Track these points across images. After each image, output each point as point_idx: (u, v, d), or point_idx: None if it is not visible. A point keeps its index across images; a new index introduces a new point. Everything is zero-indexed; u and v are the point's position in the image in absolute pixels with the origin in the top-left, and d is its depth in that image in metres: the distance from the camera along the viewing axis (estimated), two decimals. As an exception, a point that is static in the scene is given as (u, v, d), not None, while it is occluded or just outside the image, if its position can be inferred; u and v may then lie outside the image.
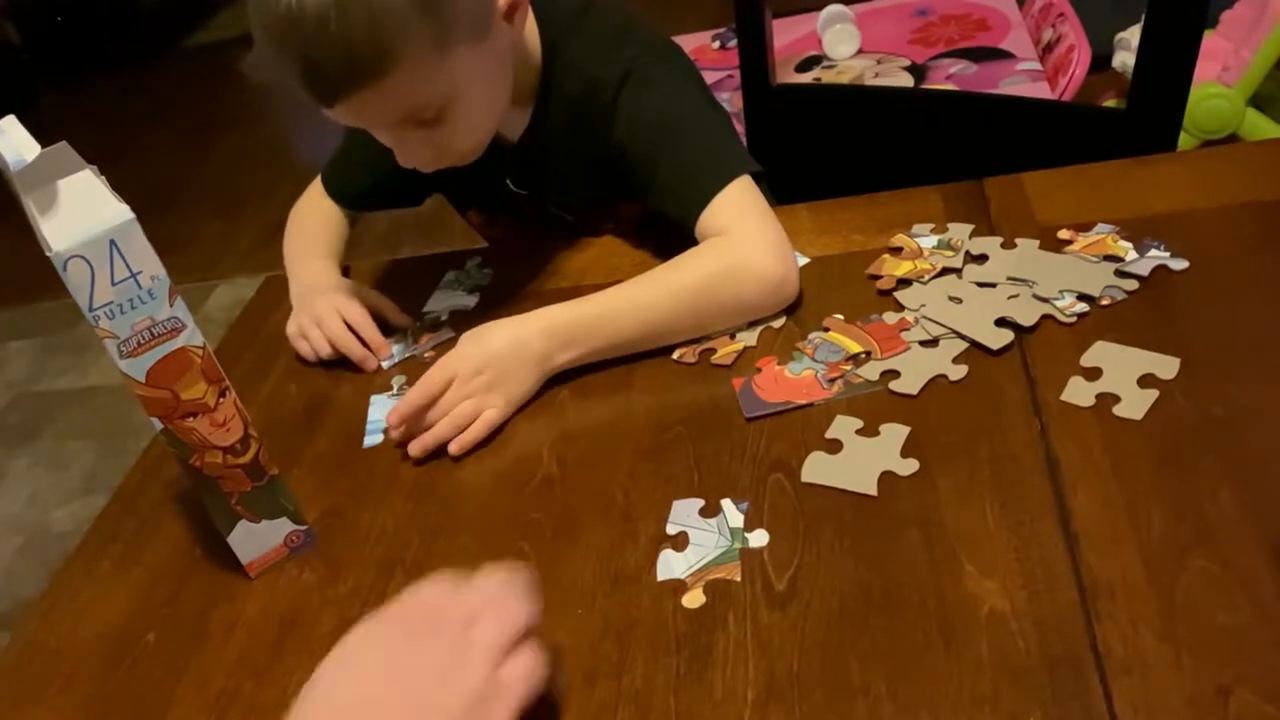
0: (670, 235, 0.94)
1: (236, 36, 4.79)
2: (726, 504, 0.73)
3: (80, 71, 4.70)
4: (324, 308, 0.98)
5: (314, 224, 1.13)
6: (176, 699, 0.70)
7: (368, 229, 1.13)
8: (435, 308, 1.03)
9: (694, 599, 0.67)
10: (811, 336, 0.85)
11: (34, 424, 2.59)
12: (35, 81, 4.71)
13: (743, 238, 0.89)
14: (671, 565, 0.70)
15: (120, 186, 0.67)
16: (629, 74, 0.95)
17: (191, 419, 0.71)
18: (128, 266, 0.65)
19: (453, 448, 0.84)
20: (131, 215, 0.65)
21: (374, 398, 0.93)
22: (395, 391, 0.93)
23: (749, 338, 0.87)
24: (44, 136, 0.67)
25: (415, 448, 0.84)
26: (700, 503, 0.73)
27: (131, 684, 0.72)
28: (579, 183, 1.04)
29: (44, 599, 0.82)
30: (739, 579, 0.67)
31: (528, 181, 1.06)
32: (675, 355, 0.89)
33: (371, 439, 0.89)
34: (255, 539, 0.77)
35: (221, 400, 0.72)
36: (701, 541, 0.71)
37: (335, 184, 1.14)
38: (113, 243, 0.64)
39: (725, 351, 0.87)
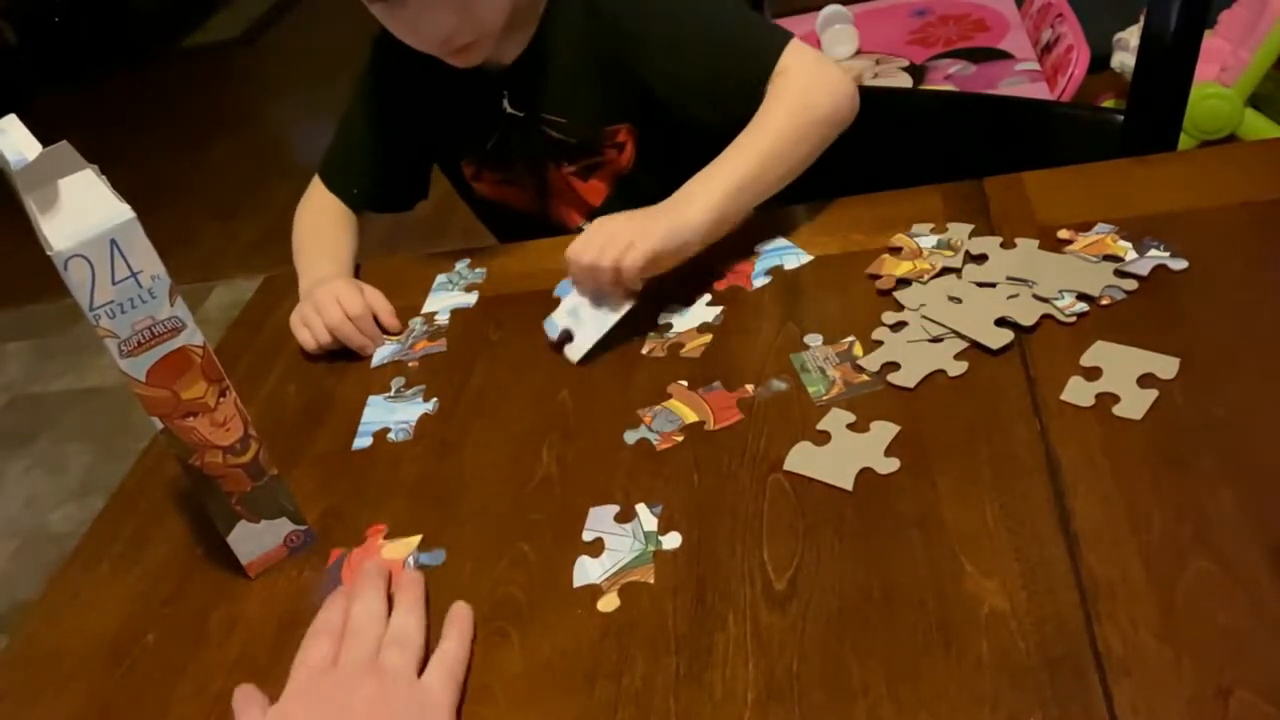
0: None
1: (235, 36, 4.79)
2: (641, 508, 0.74)
3: (78, 72, 4.70)
4: (325, 297, 0.99)
5: (323, 223, 1.13)
6: (176, 699, 0.70)
7: (368, 229, 1.12)
8: (436, 307, 1.03)
9: (609, 603, 0.68)
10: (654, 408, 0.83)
11: (31, 426, 2.59)
12: (33, 81, 4.71)
13: (808, 76, 0.96)
14: (588, 571, 0.70)
15: (118, 186, 0.68)
16: None
17: (192, 418, 0.71)
18: (128, 266, 0.65)
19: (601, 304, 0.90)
20: (132, 214, 0.65)
21: (371, 399, 0.93)
22: (393, 393, 0.93)
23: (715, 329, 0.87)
24: (42, 137, 0.67)
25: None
26: (615, 508, 0.74)
27: (131, 684, 0.72)
28: (580, 97, 1.04)
29: (43, 600, 0.82)
30: (653, 581, 0.68)
31: (527, 100, 1.07)
32: (645, 350, 0.89)
33: (361, 441, 0.88)
34: (255, 539, 0.77)
35: (222, 400, 0.72)
36: (616, 546, 0.71)
37: (337, 179, 1.15)
38: (113, 242, 0.64)
39: (693, 345, 0.88)
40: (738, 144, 0.93)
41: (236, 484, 0.74)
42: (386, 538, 0.78)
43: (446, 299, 1.04)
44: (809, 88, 0.95)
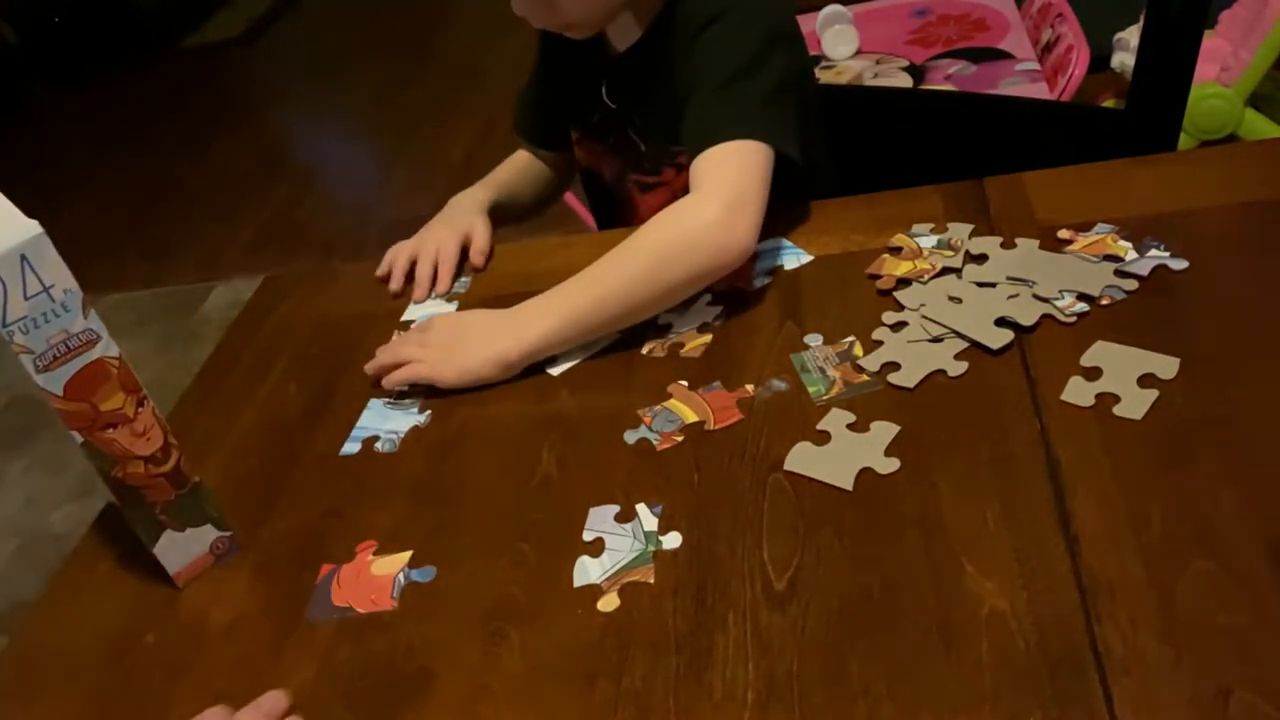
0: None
1: (235, 36, 4.79)
2: (641, 508, 0.74)
3: (78, 72, 4.70)
4: (429, 236, 1.09)
5: (503, 163, 1.24)
6: (176, 699, 0.70)
7: (366, 231, 1.12)
8: (415, 315, 1.03)
9: (609, 603, 0.68)
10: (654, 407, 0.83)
11: (31, 426, 2.58)
12: (33, 82, 4.71)
13: (704, 201, 0.89)
14: (588, 571, 0.70)
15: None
16: (723, 14, 0.96)
17: (111, 430, 0.71)
18: (40, 281, 0.65)
19: (385, 380, 0.92)
20: (40, 230, 0.65)
21: (372, 401, 0.92)
22: (394, 398, 0.92)
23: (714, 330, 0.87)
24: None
25: (370, 366, 0.94)
26: (616, 509, 0.74)
27: (131, 684, 0.72)
28: (661, 107, 1.03)
29: (44, 599, 0.82)
30: (653, 581, 0.68)
31: (621, 95, 1.08)
32: (645, 350, 0.89)
33: (349, 447, 0.88)
34: (181, 548, 0.77)
35: (140, 410, 0.72)
36: (617, 546, 0.72)
37: (516, 120, 1.24)
38: (23, 257, 0.64)
39: (693, 345, 0.88)
40: (602, 275, 0.89)
41: (159, 493, 0.74)
42: (376, 553, 0.76)
43: (430, 306, 1.04)
44: (697, 239, 0.88)
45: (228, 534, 0.79)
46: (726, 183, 0.89)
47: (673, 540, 0.71)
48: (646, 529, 0.72)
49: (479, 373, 0.89)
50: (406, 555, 0.76)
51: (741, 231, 0.88)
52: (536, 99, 1.21)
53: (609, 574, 0.70)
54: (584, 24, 0.99)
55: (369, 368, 0.93)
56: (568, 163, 1.23)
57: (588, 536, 0.73)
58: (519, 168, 1.24)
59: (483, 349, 0.90)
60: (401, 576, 0.74)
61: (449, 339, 0.92)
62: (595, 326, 0.90)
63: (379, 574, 0.75)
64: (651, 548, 0.71)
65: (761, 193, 0.90)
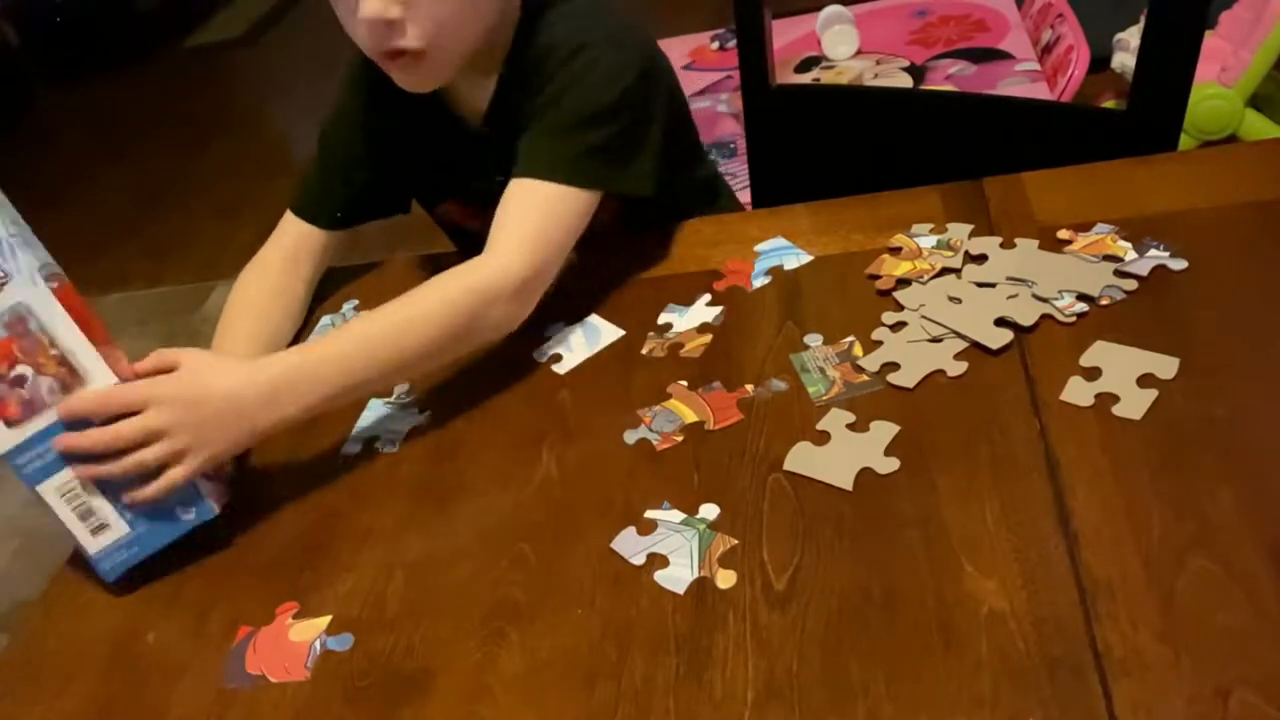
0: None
1: (235, 37, 4.79)
2: (705, 508, 0.73)
3: (79, 72, 4.70)
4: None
5: (240, 303, 1.06)
6: (176, 699, 0.70)
7: (364, 231, 1.12)
8: None
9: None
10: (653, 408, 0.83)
11: (33, 425, 2.59)
12: (34, 82, 4.71)
13: (498, 276, 0.86)
14: (628, 544, 0.72)
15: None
16: (583, 47, 0.92)
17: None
18: None
19: (126, 499, 0.77)
20: None
21: (372, 402, 0.92)
22: (394, 398, 0.92)
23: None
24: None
25: (61, 443, 0.76)
26: (682, 515, 0.73)
27: (131, 684, 0.72)
28: None
29: (44, 599, 0.82)
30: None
31: (503, 164, 0.98)
32: (645, 350, 0.89)
33: (351, 447, 0.88)
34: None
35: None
36: (667, 533, 0.72)
37: (312, 205, 1.06)
38: None
39: (693, 345, 0.88)
40: (385, 343, 0.83)
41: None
42: (296, 617, 0.74)
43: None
44: (492, 322, 0.87)
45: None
46: (529, 246, 0.87)
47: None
48: (700, 528, 0.72)
49: (245, 443, 0.80)
50: (325, 621, 0.73)
51: (526, 311, 0.88)
52: (350, 179, 1.05)
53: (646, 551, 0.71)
54: (441, 57, 0.90)
55: (66, 412, 0.75)
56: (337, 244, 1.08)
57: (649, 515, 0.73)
58: (277, 304, 1.03)
59: (235, 426, 0.78)
60: (318, 644, 0.71)
61: (194, 417, 0.77)
62: (362, 391, 0.85)
63: (296, 640, 0.72)
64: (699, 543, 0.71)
65: (561, 251, 0.90)
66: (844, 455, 0.74)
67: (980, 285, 0.85)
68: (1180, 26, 1.02)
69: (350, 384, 0.82)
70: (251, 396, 0.79)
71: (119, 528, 0.78)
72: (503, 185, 0.92)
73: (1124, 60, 2.25)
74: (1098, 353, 0.76)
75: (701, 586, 0.67)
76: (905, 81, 2.07)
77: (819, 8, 2.26)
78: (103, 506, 0.77)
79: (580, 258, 1.03)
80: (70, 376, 0.74)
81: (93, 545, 0.78)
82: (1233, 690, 0.54)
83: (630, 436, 0.81)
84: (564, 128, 0.91)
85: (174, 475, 0.77)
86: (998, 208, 0.94)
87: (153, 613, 0.78)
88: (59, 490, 0.77)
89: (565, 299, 0.97)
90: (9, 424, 0.74)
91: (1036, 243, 0.88)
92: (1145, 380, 0.73)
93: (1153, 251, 0.84)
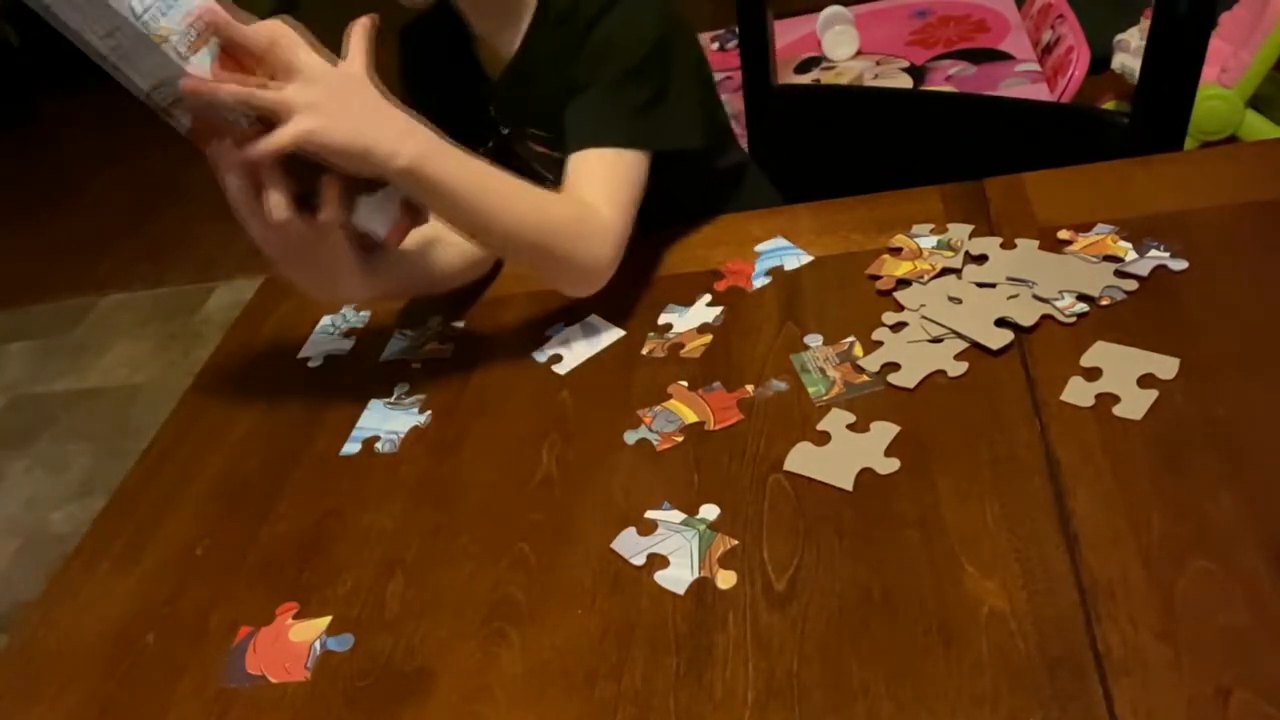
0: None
1: (236, 38, 4.79)
2: (706, 508, 0.73)
3: (79, 73, 4.70)
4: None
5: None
6: (176, 699, 0.70)
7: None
8: (311, 353, 1.01)
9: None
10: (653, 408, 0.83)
11: (32, 426, 2.59)
12: (35, 83, 4.71)
13: (600, 220, 0.89)
14: (628, 544, 0.72)
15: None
16: (613, 1, 0.94)
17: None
18: None
19: (255, 149, 0.73)
20: None
21: (373, 402, 0.92)
22: (394, 398, 0.92)
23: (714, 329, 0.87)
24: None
25: (190, 85, 0.71)
26: (683, 515, 0.73)
27: (131, 684, 0.72)
28: (559, 116, 0.98)
29: (44, 599, 0.82)
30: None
31: (509, 116, 1.04)
32: (645, 350, 0.89)
33: (350, 447, 0.88)
34: (378, 209, 0.77)
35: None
36: (667, 534, 0.72)
37: None
38: None
39: (693, 345, 0.88)
40: (507, 204, 0.85)
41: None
42: (296, 617, 0.73)
43: (325, 344, 1.02)
44: (583, 244, 0.88)
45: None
46: (609, 209, 0.89)
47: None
48: (700, 529, 0.72)
49: (370, 147, 0.77)
50: (325, 621, 0.73)
51: (613, 267, 0.90)
52: None
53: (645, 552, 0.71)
54: None
55: (220, 93, 0.71)
56: None
57: (649, 515, 0.73)
58: None
59: (382, 128, 0.78)
60: (318, 645, 0.71)
61: (340, 96, 0.76)
62: (461, 221, 0.85)
63: (296, 640, 0.72)
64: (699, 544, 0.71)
65: (633, 215, 0.91)
66: (844, 455, 0.74)
67: (981, 285, 0.85)
68: (1186, 30, 1.02)
69: (465, 190, 0.82)
70: (396, 115, 0.79)
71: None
72: (507, 139, 0.95)
73: (1124, 61, 2.25)
74: (1098, 353, 0.76)
75: (702, 587, 0.67)
76: (905, 82, 2.07)
77: (819, 8, 2.26)
78: None
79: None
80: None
81: None
82: (1233, 690, 0.54)
83: (630, 436, 0.81)
84: (609, 91, 0.93)
85: (303, 126, 0.73)
86: (998, 208, 0.94)
87: (153, 613, 0.78)
88: None
89: (565, 299, 0.97)
90: None
91: (1037, 243, 0.88)
92: (1145, 380, 0.73)
93: (1153, 252, 0.84)
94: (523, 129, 1.04)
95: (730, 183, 1.15)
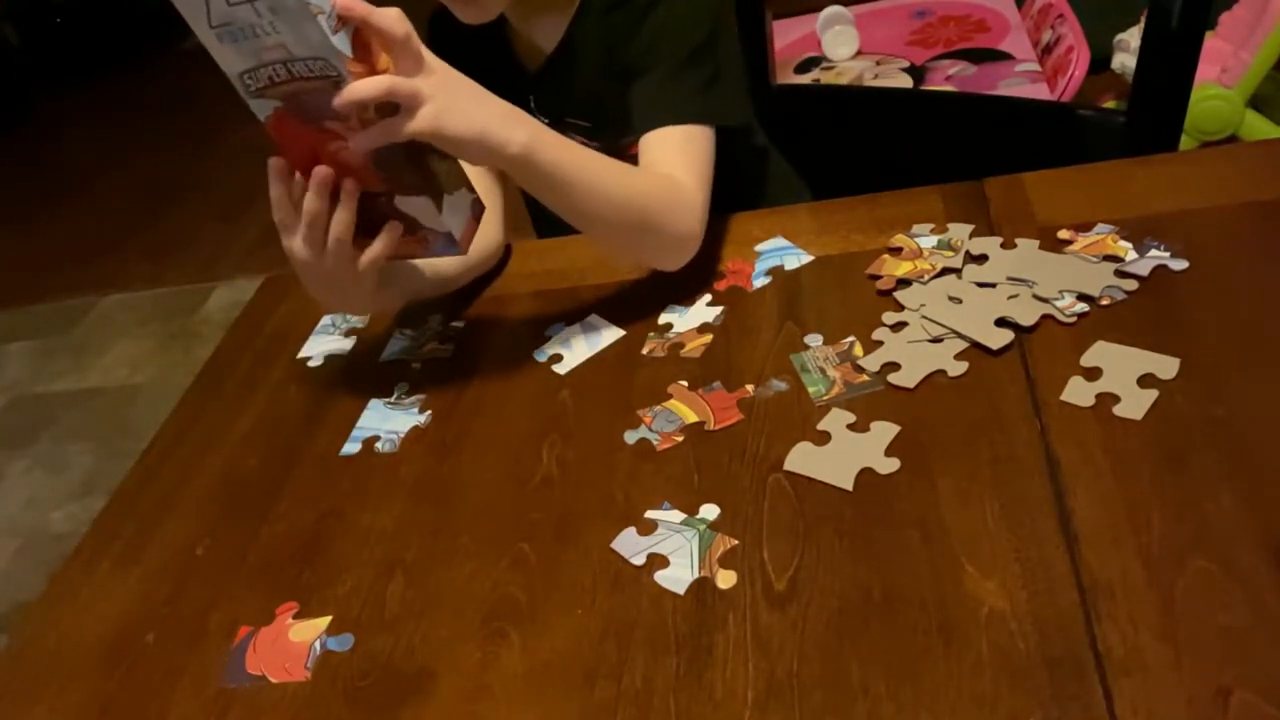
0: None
1: (236, 38, 4.79)
2: (706, 508, 0.73)
3: (80, 73, 4.70)
4: None
5: None
6: (176, 699, 0.70)
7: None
8: (311, 352, 1.01)
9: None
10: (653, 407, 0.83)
11: (33, 426, 2.59)
12: (35, 82, 4.71)
13: (687, 191, 0.91)
14: (629, 544, 0.72)
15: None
16: None
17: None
18: None
19: (386, 131, 0.74)
20: None
21: (373, 402, 0.92)
22: (394, 398, 0.92)
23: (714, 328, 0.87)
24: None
25: (353, 67, 0.71)
26: (683, 515, 0.73)
27: (131, 684, 0.72)
28: (602, 105, 1.01)
29: (44, 599, 0.82)
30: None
31: (549, 107, 1.04)
32: (645, 350, 0.89)
33: (350, 447, 0.88)
34: (455, 212, 0.78)
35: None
36: (667, 533, 0.72)
37: None
38: None
39: (693, 345, 0.88)
40: (608, 183, 0.86)
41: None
42: (296, 617, 0.73)
43: (325, 343, 1.02)
44: (674, 215, 0.91)
45: (474, 194, 0.80)
46: (700, 186, 0.92)
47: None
48: (700, 529, 0.72)
49: (486, 135, 0.78)
50: (325, 621, 0.72)
51: (699, 240, 0.93)
52: None
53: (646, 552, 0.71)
54: None
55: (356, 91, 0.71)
56: None
57: (649, 515, 0.73)
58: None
59: (493, 116, 0.79)
60: (318, 645, 0.71)
61: (456, 87, 0.78)
62: (566, 203, 0.85)
63: (296, 640, 0.72)
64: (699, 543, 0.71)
65: (710, 191, 0.94)
66: (844, 455, 0.74)
67: (981, 285, 0.85)
68: (1181, 27, 1.02)
69: (572, 172, 0.83)
70: (501, 103, 0.80)
71: None
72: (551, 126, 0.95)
73: (1124, 61, 2.25)
74: (1098, 353, 0.76)
75: (702, 587, 0.67)
76: (905, 82, 2.07)
77: (819, 8, 2.27)
78: None
79: (580, 257, 1.03)
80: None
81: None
82: (1233, 690, 0.54)
83: (630, 436, 0.81)
84: (676, 71, 0.95)
85: (428, 114, 0.74)
86: (998, 208, 0.94)
87: (153, 613, 0.78)
88: None
89: (565, 299, 0.97)
90: None
91: (1037, 243, 0.88)
92: (1146, 380, 0.73)
93: (1153, 252, 0.84)
94: (562, 119, 1.05)
95: (762, 161, 1.19)
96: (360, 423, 0.90)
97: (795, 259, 0.95)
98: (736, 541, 0.69)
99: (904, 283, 0.88)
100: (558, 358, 0.91)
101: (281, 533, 0.81)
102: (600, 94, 1.00)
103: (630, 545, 0.71)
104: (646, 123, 0.94)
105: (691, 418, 0.81)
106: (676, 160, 0.93)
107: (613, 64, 0.97)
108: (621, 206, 0.88)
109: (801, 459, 0.74)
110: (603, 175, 0.87)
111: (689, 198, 0.91)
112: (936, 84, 2.04)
